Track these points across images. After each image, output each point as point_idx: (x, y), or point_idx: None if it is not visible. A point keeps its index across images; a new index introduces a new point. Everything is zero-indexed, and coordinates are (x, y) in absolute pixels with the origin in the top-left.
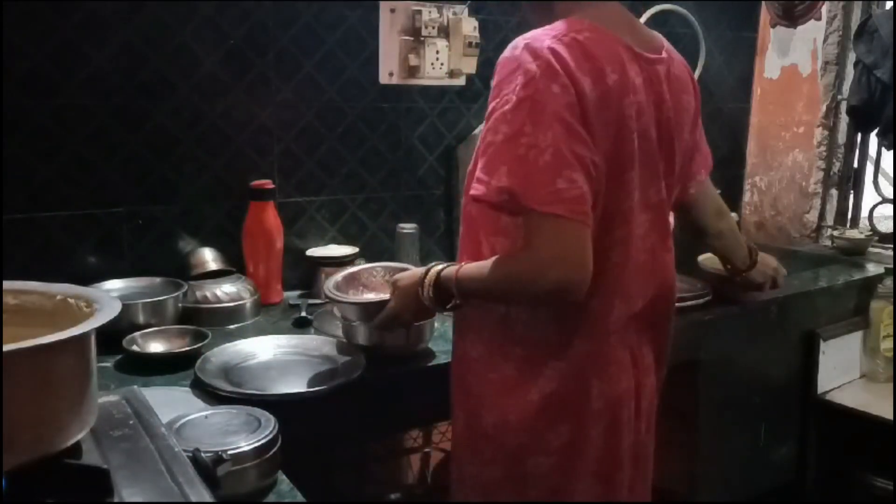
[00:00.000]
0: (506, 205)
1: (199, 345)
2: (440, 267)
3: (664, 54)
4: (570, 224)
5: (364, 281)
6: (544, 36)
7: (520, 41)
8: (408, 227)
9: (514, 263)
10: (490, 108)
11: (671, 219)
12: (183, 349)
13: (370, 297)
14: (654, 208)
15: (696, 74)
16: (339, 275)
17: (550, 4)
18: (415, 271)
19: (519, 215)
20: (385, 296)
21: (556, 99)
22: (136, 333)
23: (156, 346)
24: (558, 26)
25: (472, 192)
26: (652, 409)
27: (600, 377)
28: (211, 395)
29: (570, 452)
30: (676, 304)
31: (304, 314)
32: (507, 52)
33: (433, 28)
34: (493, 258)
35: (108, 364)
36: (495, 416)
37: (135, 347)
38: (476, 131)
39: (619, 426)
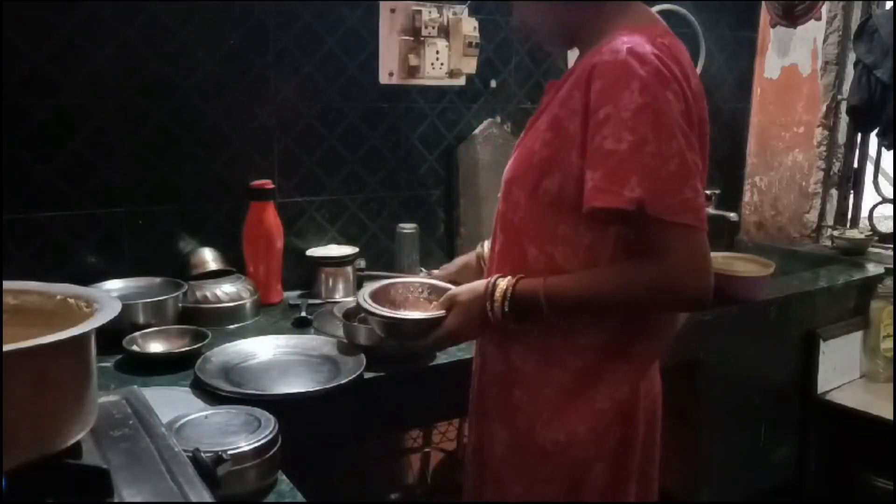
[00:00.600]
0: (632, 216)
1: (199, 345)
2: (511, 280)
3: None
4: (699, 234)
5: (392, 296)
6: (640, 41)
7: (619, 46)
8: (408, 227)
9: (643, 274)
10: (602, 114)
11: None
12: (183, 349)
13: (416, 314)
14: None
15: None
16: (373, 287)
17: (601, 5)
18: (475, 286)
19: (629, 225)
20: (441, 312)
21: (671, 106)
22: (136, 333)
23: (156, 346)
24: (640, 31)
25: (596, 202)
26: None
27: (645, 375)
28: (211, 395)
29: (622, 452)
30: None
31: (304, 314)
32: (607, 56)
33: (433, 28)
34: (605, 269)
35: (108, 364)
36: (556, 431)
37: (135, 347)
38: (476, 131)
39: (656, 421)
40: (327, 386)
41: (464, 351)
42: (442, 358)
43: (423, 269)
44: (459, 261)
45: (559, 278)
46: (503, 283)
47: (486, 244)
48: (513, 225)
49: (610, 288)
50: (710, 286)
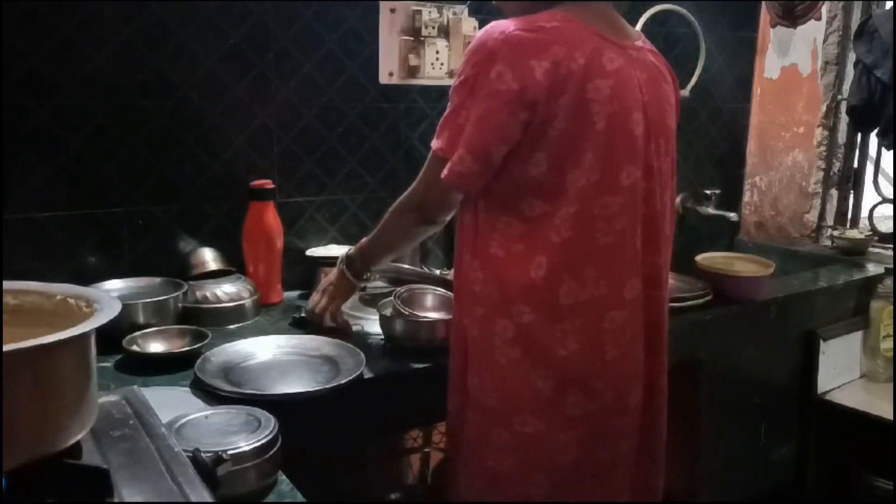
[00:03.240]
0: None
1: (199, 345)
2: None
3: (640, 43)
4: (442, 162)
5: (418, 301)
6: (509, 24)
7: (488, 28)
8: None
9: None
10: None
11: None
12: (183, 349)
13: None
14: (625, 191)
15: (696, 74)
16: (406, 291)
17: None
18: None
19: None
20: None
21: (490, 84)
22: (136, 333)
23: (156, 346)
24: (531, 17)
25: (432, 144)
26: (660, 402)
27: (549, 344)
28: (211, 396)
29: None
30: (677, 305)
31: (304, 314)
32: (477, 35)
33: (433, 28)
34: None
35: (108, 364)
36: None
37: (135, 347)
38: None
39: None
40: (327, 386)
41: None
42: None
43: (425, 266)
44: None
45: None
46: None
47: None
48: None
49: (386, 219)
50: (436, 199)
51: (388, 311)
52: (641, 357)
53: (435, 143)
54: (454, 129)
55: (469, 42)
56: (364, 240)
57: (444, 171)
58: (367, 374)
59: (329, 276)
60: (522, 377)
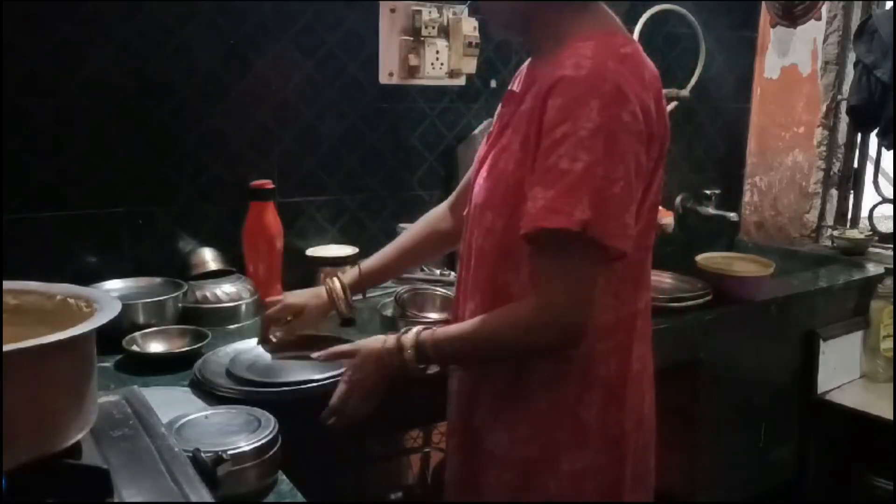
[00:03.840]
0: (573, 237)
1: (199, 345)
2: (416, 331)
3: None
4: (591, 244)
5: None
6: (603, 56)
7: (582, 61)
8: (408, 227)
9: (521, 310)
10: (559, 133)
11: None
12: (183, 349)
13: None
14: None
15: (696, 74)
16: (406, 292)
17: (560, 5)
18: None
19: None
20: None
21: (627, 127)
22: (136, 333)
23: (156, 346)
24: (603, 39)
25: (546, 223)
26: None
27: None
28: (210, 396)
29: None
30: (677, 304)
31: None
32: (569, 72)
33: (433, 28)
34: (492, 313)
35: (108, 364)
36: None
37: (135, 347)
38: (476, 131)
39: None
40: (326, 383)
41: None
42: None
43: (425, 268)
44: (307, 293)
45: (449, 327)
46: (410, 336)
47: (340, 276)
48: (483, 252)
49: (487, 332)
50: (583, 321)
51: (389, 312)
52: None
53: (570, 220)
54: (594, 194)
55: (470, 42)
56: (439, 333)
57: (617, 247)
58: None
59: (362, 363)
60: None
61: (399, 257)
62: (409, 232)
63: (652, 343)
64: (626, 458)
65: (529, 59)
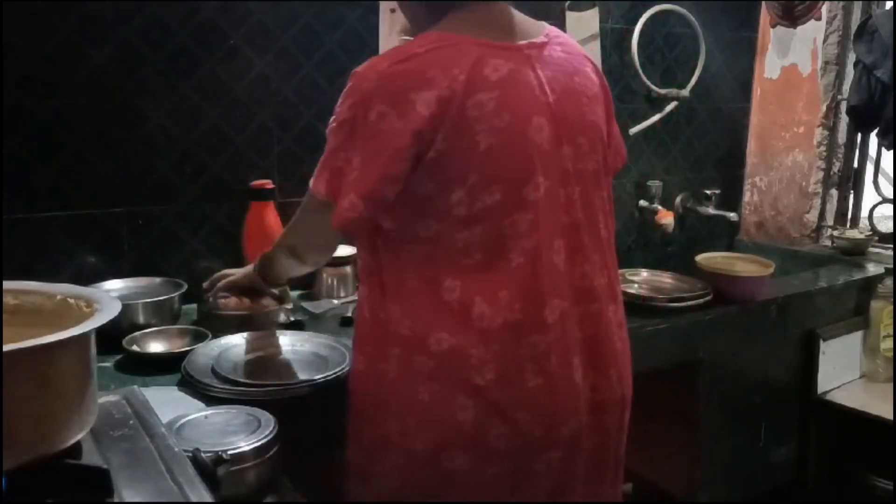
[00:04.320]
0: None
1: (200, 345)
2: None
3: (543, 38)
4: (323, 206)
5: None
6: (382, 61)
7: (363, 67)
8: None
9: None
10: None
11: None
12: (183, 349)
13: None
14: (536, 205)
15: (696, 74)
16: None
17: (425, 7)
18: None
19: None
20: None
21: (370, 124)
22: (136, 333)
23: (156, 346)
24: (402, 47)
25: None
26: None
27: (467, 373)
28: (210, 395)
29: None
30: (677, 305)
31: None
32: (359, 67)
33: None
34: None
35: (108, 364)
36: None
37: (135, 347)
38: None
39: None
40: (324, 381)
41: None
42: None
43: None
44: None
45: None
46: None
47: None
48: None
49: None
50: (316, 242)
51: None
52: (577, 382)
53: (313, 187)
54: (333, 172)
55: None
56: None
57: (335, 217)
58: None
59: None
60: (446, 410)
61: None
62: None
63: (598, 356)
64: (510, 476)
65: None
